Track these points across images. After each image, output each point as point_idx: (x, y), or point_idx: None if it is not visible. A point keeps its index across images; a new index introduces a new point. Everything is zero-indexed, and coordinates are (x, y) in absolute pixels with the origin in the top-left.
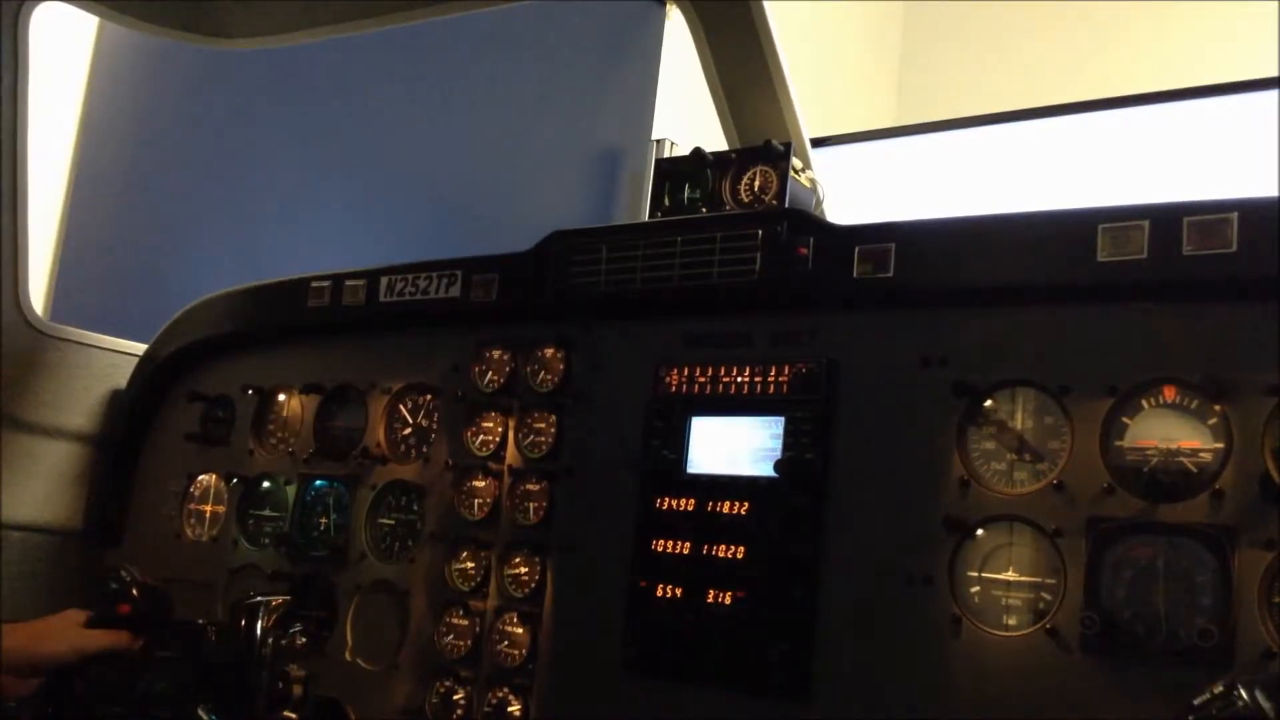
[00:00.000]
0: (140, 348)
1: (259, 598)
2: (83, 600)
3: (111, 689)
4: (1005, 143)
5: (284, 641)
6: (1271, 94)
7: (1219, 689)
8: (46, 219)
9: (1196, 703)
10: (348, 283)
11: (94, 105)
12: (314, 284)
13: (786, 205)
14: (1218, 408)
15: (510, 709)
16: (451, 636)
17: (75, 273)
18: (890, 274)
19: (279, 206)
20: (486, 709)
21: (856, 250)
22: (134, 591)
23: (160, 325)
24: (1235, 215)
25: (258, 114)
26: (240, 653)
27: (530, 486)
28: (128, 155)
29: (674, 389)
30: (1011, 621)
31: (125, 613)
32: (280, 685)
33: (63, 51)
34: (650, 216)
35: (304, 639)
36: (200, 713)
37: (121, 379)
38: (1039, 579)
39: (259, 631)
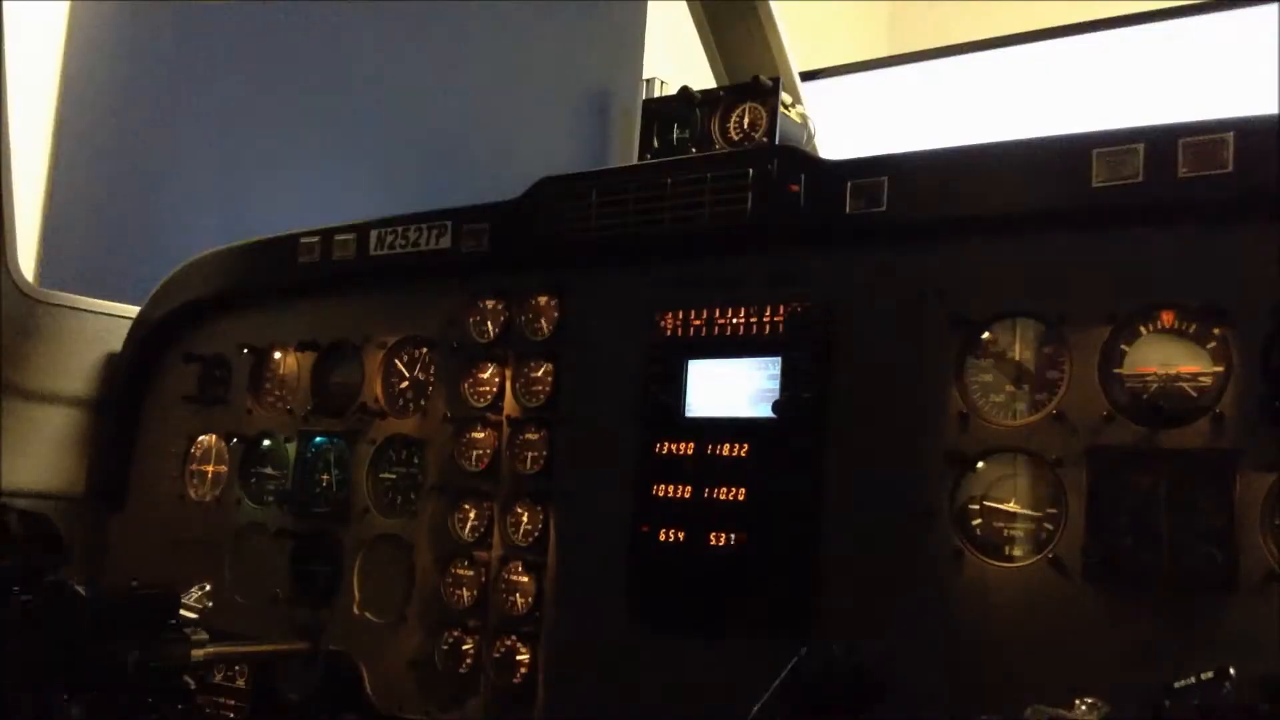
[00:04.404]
0: (133, 310)
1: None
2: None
3: None
4: (999, 69)
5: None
6: (1271, 8)
7: (1208, 674)
8: (32, 184)
9: (1178, 685)
10: (337, 237)
11: (73, 65)
12: (304, 240)
13: (777, 142)
14: (1217, 331)
15: (519, 656)
16: (457, 587)
17: (63, 237)
18: (884, 208)
19: (266, 159)
20: (495, 656)
21: (849, 185)
22: (17, 536)
23: (152, 286)
24: (1231, 135)
25: (241, 66)
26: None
27: (529, 436)
28: (110, 115)
29: (670, 333)
30: (1014, 552)
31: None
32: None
33: (39, 11)
34: (640, 159)
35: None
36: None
37: (116, 342)
38: (1040, 509)
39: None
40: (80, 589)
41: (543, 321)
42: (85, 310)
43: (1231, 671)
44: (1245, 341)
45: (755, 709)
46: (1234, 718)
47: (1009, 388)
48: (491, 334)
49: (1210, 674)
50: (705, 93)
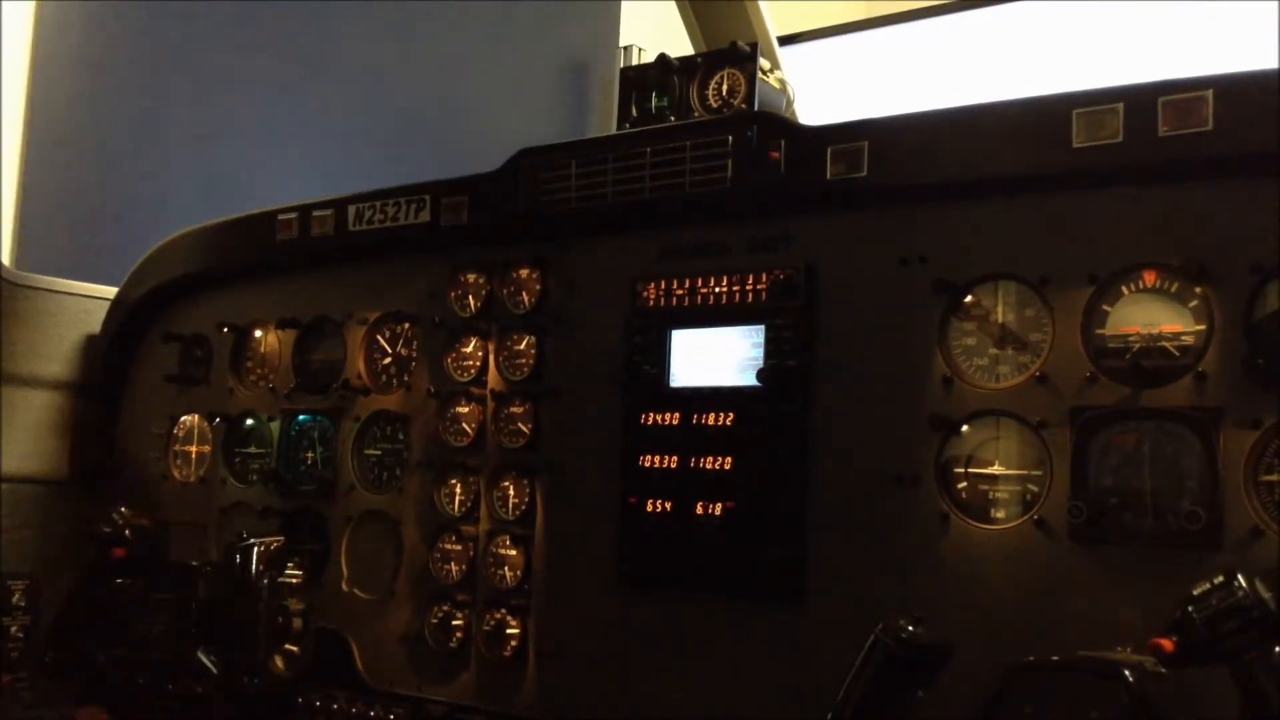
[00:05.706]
0: (111, 291)
1: (251, 540)
2: (77, 547)
3: (110, 632)
4: (978, 30)
5: (279, 579)
6: None
7: (1219, 579)
8: (6, 166)
9: (1196, 592)
10: (315, 213)
11: (44, 43)
12: (281, 216)
13: (756, 108)
14: (1198, 289)
15: (509, 629)
16: (446, 562)
17: (39, 220)
18: (864, 173)
19: (244, 134)
20: (485, 630)
21: (829, 151)
22: (127, 534)
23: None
24: (1210, 93)
25: (216, 41)
26: (235, 592)
27: (514, 409)
28: (84, 93)
29: (652, 303)
30: (1000, 515)
31: (120, 556)
32: (279, 620)
33: None
34: (619, 128)
35: (299, 574)
36: (200, 655)
37: (95, 324)
38: (1025, 471)
39: (253, 572)
40: (194, 563)
41: (524, 294)
42: (63, 292)
43: (1238, 573)
44: (1227, 300)
45: (844, 687)
46: (1257, 611)
47: (992, 350)
48: (473, 308)
49: (1220, 578)
50: (683, 60)
